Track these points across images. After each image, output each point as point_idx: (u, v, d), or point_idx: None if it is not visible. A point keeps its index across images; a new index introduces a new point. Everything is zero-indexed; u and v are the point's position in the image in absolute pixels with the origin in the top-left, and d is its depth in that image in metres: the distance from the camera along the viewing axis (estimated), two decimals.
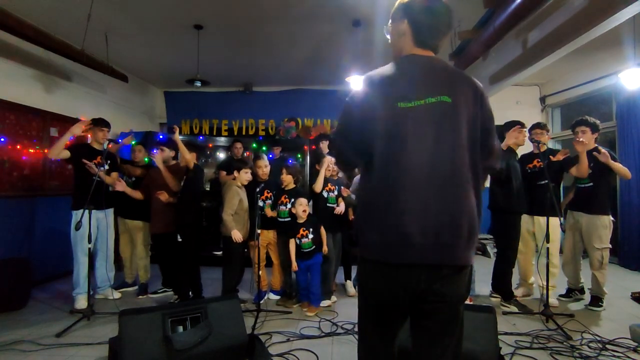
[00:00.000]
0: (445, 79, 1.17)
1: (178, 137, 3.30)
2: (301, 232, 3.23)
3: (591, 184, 3.26)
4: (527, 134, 3.38)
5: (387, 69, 1.19)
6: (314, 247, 3.23)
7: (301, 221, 3.25)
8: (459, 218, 1.08)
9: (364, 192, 1.24)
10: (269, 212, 3.43)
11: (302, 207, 3.23)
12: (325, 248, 3.29)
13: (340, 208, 3.49)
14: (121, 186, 3.42)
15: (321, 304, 3.27)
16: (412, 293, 1.11)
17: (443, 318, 1.14)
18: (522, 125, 3.29)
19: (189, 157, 3.26)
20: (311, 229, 3.24)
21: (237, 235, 3.19)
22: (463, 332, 1.18)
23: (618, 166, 3.13)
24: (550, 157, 3.24)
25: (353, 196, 3.50)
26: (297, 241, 3.24)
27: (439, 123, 1.11)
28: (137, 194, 3.54)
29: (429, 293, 1.11)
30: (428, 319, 1.16)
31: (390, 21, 1.29)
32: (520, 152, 3.48)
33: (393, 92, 1.13)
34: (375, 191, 1.14)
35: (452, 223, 1.08)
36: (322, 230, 3.31)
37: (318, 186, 3.43)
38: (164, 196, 3.35)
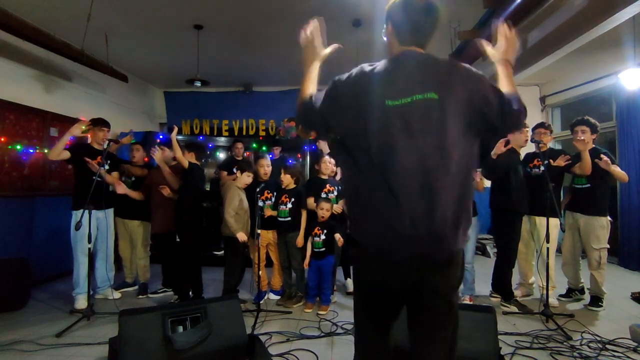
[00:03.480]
0: (433, 75, 1.18)
1: (174, 136, 3.30)
2: (316, 230, 3.26)
3: (588, 185, 3.26)
4: (530, 134, 3.38)
5: (379, 65, 1.22)
6: (324, 248, 3.25)
7: (319, 221, 3.28)
8: (445, 210, 1.10)
9: (352, 187, 1.24)
10: (268, 212, 3.43)
11: (322, 213, 3.25)
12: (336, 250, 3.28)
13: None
14: (122, 189, 3.44)
15: None
16: (404, 284, 1.15)
17: (438, 311, 1.17)
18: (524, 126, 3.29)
19: (179, 156, 3.26)
20: (325, 231, 3.26)
21: (242, 237, 3.22)
22: (458, 324, 1.21)
23: (617, 170, 3.13)
24: (550, 160, 3.22)
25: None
26: (311, 238, 3.27)
27: (425, 120, 1.12)
28: (138, 195, 3.55)
29: (421, 284, 1.14)
30: (423, 313, 1.19)
31: (384, 25, 1.34)
32: (522, 152, 3.47)
33: (382, 90, 1.16)
34: (363, 187, 1.17)
35: (439, 215, 1.09)
36: (338, 236, 3.28)
37: (310, 204, 3.42)
38: (166, 190, 3.36)
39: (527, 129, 3.32)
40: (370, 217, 1.15)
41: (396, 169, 1.11)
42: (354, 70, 1.22)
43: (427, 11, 1.22)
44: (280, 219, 3.43)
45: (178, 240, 3.44)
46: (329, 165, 3.54)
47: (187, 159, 3.35)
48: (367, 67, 1.22)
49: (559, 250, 3.59)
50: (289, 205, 3.40)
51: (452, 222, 1.11)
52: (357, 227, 1.21)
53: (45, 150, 4.06)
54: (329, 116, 1.23)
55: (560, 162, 3.19)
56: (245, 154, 4.76)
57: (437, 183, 1.10)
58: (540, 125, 3.45)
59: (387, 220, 1.11)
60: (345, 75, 1.23)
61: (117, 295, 3.54)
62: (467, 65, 1.22)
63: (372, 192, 1.15)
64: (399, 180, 1.11)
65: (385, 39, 1.35)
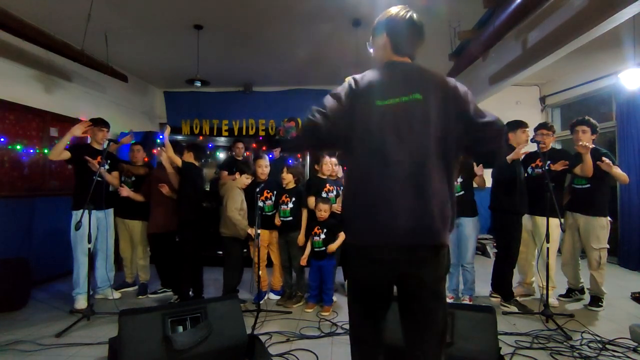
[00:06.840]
0: (418, 80, 1.31)
1: (167, 135, 3.32)
2: (316, 229, 3.27)
3: (588, 185, 3.25)
4: (531, 134, 3.37)
5: (369, 73, 1.35)
6: (324, 248, 3.25)
7: (319, 220, 3.28)
8: (430, 203, 1.20)
9: (347, 182, 1.40)
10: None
11: (321, 213, 3.25)
12: (332, 247, 3.26)
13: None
14: (125, 192, 3.48)
15: None
16: (392, 274, 1.25)
17: (426, 298, 1.25)
18: (525, 125, 3.28)
19: (172, 155, 3.27)
20: (325, 230, 3.26)
21: (252, 232, 3.28)
22: (447, 311, 1.30)
23: (618, 172, 3.13)
24: (550, 165, 3.21)
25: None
26: (311, 237, 3.28)
27: (411, 118, 1.25)
28: (140, 197, 3.57)
29: (408, 275, 1.23)
30: (413, 302, 1.27)
31: (371, 37, 1.47)
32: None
33: (372, 92, 1.29)
34: (355, 181, 1.30)
35: (425, 207, 1.19)
36: (341, 235, 3.27)
37: (311, 203, 3.41)
38: (165, 188, 3.38)
39: (527, 128, 3.31)
40: (360, 210, 1.24)
41: (386, 163, 1.21)
42: (346, 83, 1.33)
43: (420, 28, 1.39)
44: (281, 218, 3.43)
45: (178, 239, 3.44)
46: (329, 165, 3.54)
47: (185, 158, 3.36)
48: (357, 76, 1.34)
49: (559, 250, 3.59)
50: (290, 205, 3.40)
51: (439, 214, 1.20)
52: (349, 221, 1.31)
53: (45, 150, 4.07)
54: (335, 116, 1.29)
55: (558, 167, 3.19)
56: (245, 153, 4.75)
57: (424, 177, 1.21)
58: (543, 125, 3.43)
59: (376, 213, 1.20)
60: (339, 87, 1.34)
61: (117, 295, 3.54)
62: (452, 79, 1.34)
63: (362, 187, 1.26)
64: (388, 175, 1.21)
65: (371, 50, 1.47)
